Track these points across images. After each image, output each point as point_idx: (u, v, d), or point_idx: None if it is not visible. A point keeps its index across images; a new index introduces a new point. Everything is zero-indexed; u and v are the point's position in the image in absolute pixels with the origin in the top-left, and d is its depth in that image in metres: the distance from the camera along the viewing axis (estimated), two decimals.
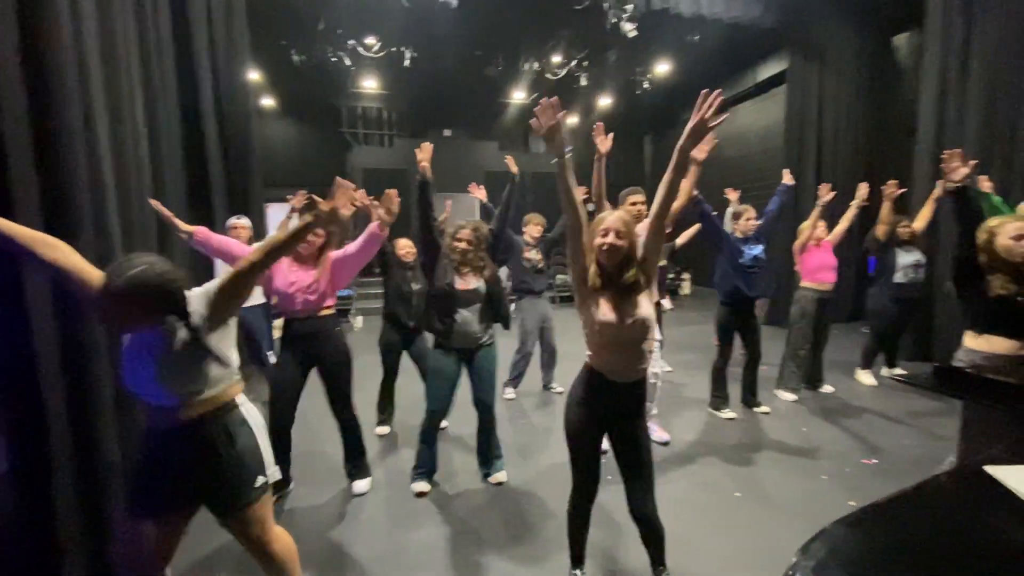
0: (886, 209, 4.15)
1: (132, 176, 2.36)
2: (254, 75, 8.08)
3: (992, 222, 2.16)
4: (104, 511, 1.96)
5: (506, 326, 2.78)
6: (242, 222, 3.66)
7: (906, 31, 7.00)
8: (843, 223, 4.23)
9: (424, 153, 2.64)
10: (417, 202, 2.67)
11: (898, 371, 4.66)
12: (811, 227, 4.03)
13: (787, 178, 3.79)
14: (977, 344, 2.12)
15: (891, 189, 4.04)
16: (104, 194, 2.04)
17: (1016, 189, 4.31)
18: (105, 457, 1.97)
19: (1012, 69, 4.42)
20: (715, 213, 3.46)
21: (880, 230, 4.23)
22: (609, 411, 1.80)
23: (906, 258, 4.24)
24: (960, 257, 2.13)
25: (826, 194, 3.85)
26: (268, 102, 11.42)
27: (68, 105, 1.85)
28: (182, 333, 1.40)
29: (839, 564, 0.63)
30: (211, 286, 1.49)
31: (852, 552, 0.66)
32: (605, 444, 1.88)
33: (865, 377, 4.56)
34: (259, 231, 4.55)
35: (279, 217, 5.13)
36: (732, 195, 4.11)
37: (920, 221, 4.28)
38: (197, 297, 1.46)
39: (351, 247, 2.57)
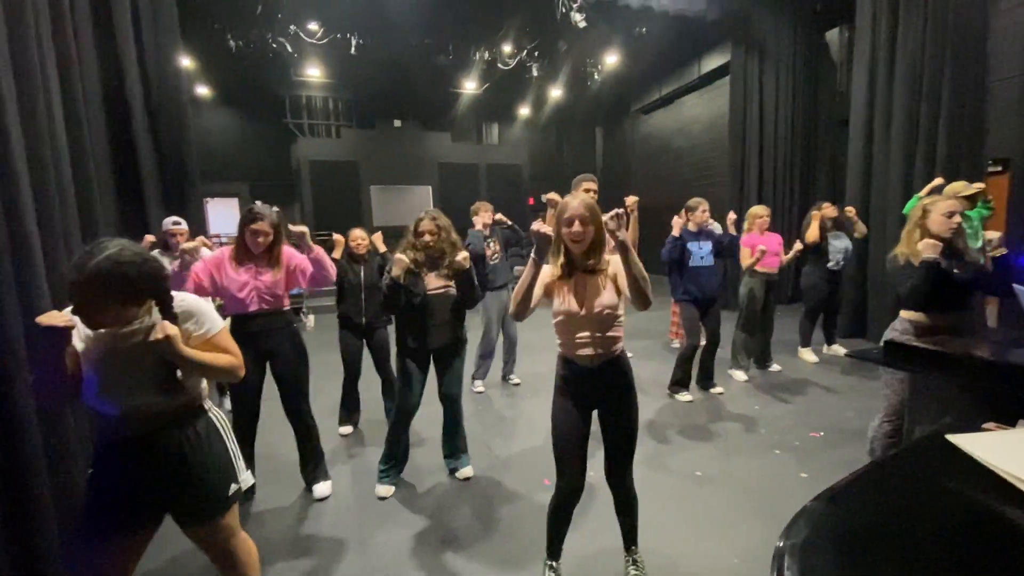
0: (814, 228, 4.41)
1: (50, 171, 2.13)
2: (187, 61, 7.56)
3: (926, 200, 2.32)
4: (34, 532, 1.79)
5: (463, 343, 2.70)
6: (181, 228, 3.44)
7: (837, 27, 7.40)
8: (796, 247, 4.37)
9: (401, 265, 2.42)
10: (392, 296, 2.46)
11: (837, 348, 4.96)
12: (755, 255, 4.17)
13: (731, 224, 3.85)
14: (911, 316, 2.29)
15: (827, 211, 4.46)
16: (18, 194, 1.84)
17: (940, 175, 4.65)
18: (35, 473, 1.79)
19: (934, 63, 4.75)
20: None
21: (810, 237, 4.45)
22: (595, 397, 1.79)
23: (836, 244, 4.53)
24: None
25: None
26: (204, 91, 10.74)
27: None
28: (160, 323, 1.29)
29: (824, 540, 0.64)
30: (213, 316, 1.45)
31: (835, 527, 0.67)
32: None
33: (808, 355, 4.82)
34: (200, 228, 4.29)
35: (219, 212, 4.85)
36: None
37: (810, 237, 4.47)
38: (186, 296, 1.41)
39: (308, 264, 2.48)
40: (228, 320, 2.49)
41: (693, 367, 3.94)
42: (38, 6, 2.22)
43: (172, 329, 1.29)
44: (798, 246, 4.33)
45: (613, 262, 1.72)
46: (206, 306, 1.46)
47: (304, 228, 2.48)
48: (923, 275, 2.17)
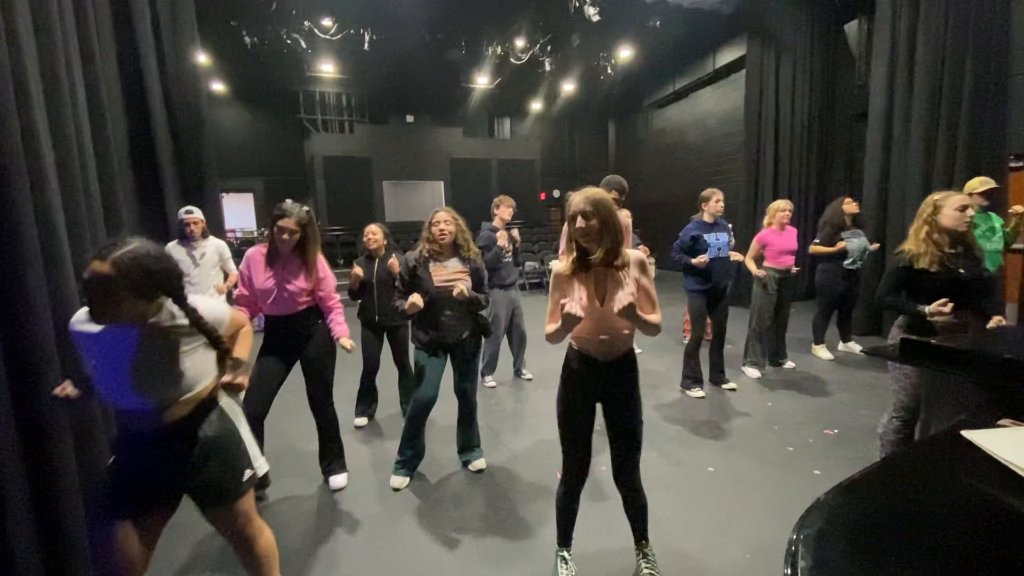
0: (827, 250, 4.47)
1: (75, 167, 2.19)
2: (203, 58, 7.67)
3: (937, 195, 2.28)
4: (63, 521, 1.85)
5: (487, 335, 2.75)
6: (193, 216, 3.49)
7: (856, 19, 7.27)
8: (796, 269, 4.39)
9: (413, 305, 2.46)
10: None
11: (852, 344, 4.91)
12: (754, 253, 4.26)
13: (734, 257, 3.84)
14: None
15: (849, 207, 4.52)
16: (46, 189, 1.89)
17: (960, 170, 4.57)
18: (62, 466, 1.85)
19: (954, 55, 4.65)
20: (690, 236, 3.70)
21: (815, 249, 4.60)
22: (601, 390, 1.80)
23: (854, 243, 4.46)
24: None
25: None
26: (219, 87, 10.87)
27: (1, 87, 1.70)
28: (178, 317, 1.37)
29: (838, 531, 0.65)
30: (224, 313, 1.56)
31: (849, 519, 0.68)
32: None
33: (822, 352, 4.78)
34: (216, 222, 4.36)
35: (235, 207, 4.91)
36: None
37: (815, 249, 4.60)
38: (200, 304, 1.46)
39: (334, 309, 2.55)
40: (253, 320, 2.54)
41: (703, 361, 3.93)
42: (63, 6, 2.27)
43: (242, 378, 1.52)
44: (796, 270, 4.28)
45: (634, 259, 1.73)
46: (212, 303, 1.54)
47: (350, 344, 2.51)
48: (902, 310, 2.25)
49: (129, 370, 1.33)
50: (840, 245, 4.39)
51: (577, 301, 1.69)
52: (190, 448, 1.43)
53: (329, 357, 2.57)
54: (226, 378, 1.54)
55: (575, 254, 1.72)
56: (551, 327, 1.72)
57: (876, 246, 4.63)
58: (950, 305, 2.06)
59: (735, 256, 3.77)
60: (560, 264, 1.76)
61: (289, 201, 2.41)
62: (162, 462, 1.42)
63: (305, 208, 2.42)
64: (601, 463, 2.63)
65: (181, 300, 1.36)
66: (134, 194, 3.56)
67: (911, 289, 2.28)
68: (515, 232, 4.07)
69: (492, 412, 3.71)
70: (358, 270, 3.26)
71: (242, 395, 3.65)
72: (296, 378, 2.56)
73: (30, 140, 1.85)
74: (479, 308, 2.63)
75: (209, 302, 1.52)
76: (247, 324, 1.69)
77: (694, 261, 3.60)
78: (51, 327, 1.84)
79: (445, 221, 2.55)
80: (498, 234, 3.93)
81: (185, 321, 1.40)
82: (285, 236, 2.34)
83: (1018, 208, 3.62)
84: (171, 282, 1.33)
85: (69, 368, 1.76)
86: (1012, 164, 4.95)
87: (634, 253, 1.76)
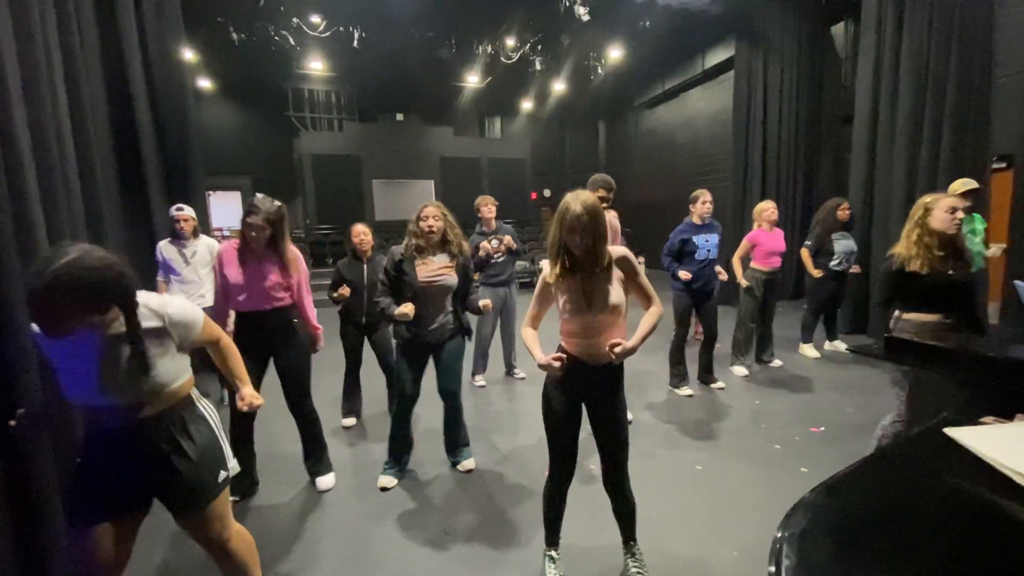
0: (810, 266, 4.60)
1: (55, 162, 2.14)
2: (189, 54, 7.55)
3: (927, 198, 2.31)
4: (39, 525, 1.81)
5: (470, 336, 2.75)
6: (184, 213, 3.43)
7: (842, 21, 7.35)
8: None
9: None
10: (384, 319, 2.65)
11: (838, 343, 4.96)
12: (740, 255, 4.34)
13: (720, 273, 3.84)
14: (907, 315, 2.31)
15: (842, 213, 4.59)
16: (24, 183, 1.85)
17: (944, 171, 4.64)
18: (40, 471, 1.81)
19: (939, 57, 4.72)
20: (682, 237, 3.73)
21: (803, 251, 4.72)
22: (586, 392, 1.80)
23: (842, 244, 4.51)
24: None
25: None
26: (205, 84, 10.72)
27: None
28: (122, 331, 1.29)
29: (822, 530, 0.65)
30: (196, 317, 1.49)
31: (833, 518, 0.68)
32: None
33: (809, 351, 4.83)
34: (201, 221, 4.29)
35: (221, 206, 4.84)
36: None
37: (803, 251, 4.71)
38: (171, 306, 1.41)
39: (308, 303, 2.57)
40: (233, 315, 2.50)
41: (689, 359, 3.94)
42: (43, 3, 2.21)
43: (256, 399, 1.60)
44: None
45: (617, 256, 1.72)
46: (186, 306, 1.47)
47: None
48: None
49: (95, 373, 1.28)
50: (817, 273, 4.51)
51: (570, 302, 1.69)
52: (163, 447, 1.39)
53: (306, 357, 2.54)
54: (241, 406, 1.57)
55: (560, 261, 1.69)
56: (531, 342, 1.81)
57: (857, 269, 4.68)
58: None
59: (722, 275, 3.80)
60: (548, 271, 1.74)
61: (259, 196, 2.36)
62: (133, 460, 1.38)
63: (276, 203, 2.37)
64: (590, 463, 2.63)
65: (130, 314, 1.27)
66: (117, 192, 3.49)
67: (904, 292, 2.30)
68: (507, 239, 4.02)
69: (481, 411, 3.69)
70: (345, 291, 3.22)
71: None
72: (275, 379, 2.52)
73: (7, 135, 1.80)
74: (479, 312, 2.66)
75: (182, 303, 1.47)
76: (224, 336, 1.63)
77: (680, 273, 3.66)
78: (28, 328, 1.80)
79: (434, 217, 2.51)
80: (482, 243, 3.91)
81: (153, 323, 1.34)
82: (254, 233, 2.31)
83: (999, 247, 3.81)
84: (120, 293, 1.24)
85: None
86: (995, 165, 5.04)
87: (617, 249, 1.74)
